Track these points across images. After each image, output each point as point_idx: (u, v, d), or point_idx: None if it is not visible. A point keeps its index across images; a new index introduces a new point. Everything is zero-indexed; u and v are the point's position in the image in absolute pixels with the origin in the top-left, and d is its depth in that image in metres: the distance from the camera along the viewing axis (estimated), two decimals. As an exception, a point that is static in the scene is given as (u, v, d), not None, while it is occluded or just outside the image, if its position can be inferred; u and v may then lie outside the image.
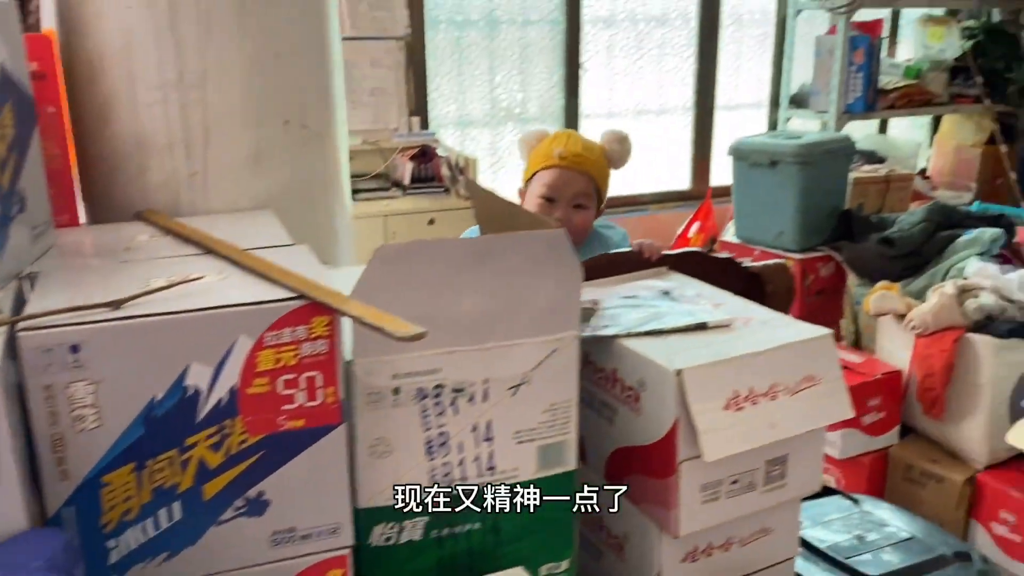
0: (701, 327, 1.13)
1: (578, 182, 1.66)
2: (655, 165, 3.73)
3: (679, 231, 3.47)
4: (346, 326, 0.80)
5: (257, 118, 1.09)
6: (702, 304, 1.21)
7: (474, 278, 0.89)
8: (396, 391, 0.89)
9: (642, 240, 1.55)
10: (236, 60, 1.06)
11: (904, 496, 2.18)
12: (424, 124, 3.13)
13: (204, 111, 1.07)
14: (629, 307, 1.21)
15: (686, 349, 1.06)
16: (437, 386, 0.90)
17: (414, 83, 3.08)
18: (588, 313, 1.22)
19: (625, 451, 1.08)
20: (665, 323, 1.12)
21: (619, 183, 3.65)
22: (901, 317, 2.24)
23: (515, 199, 1.84)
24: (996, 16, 3.78)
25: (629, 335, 1.10)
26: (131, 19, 1.02)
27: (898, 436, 2.28)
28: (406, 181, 2.95)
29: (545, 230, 0.94)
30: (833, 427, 2.14)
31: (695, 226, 3.43)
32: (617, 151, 1.72)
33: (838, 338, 2.68)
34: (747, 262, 1.66)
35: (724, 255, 1.59)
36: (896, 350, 2.29)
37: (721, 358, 1.03)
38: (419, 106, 3.12)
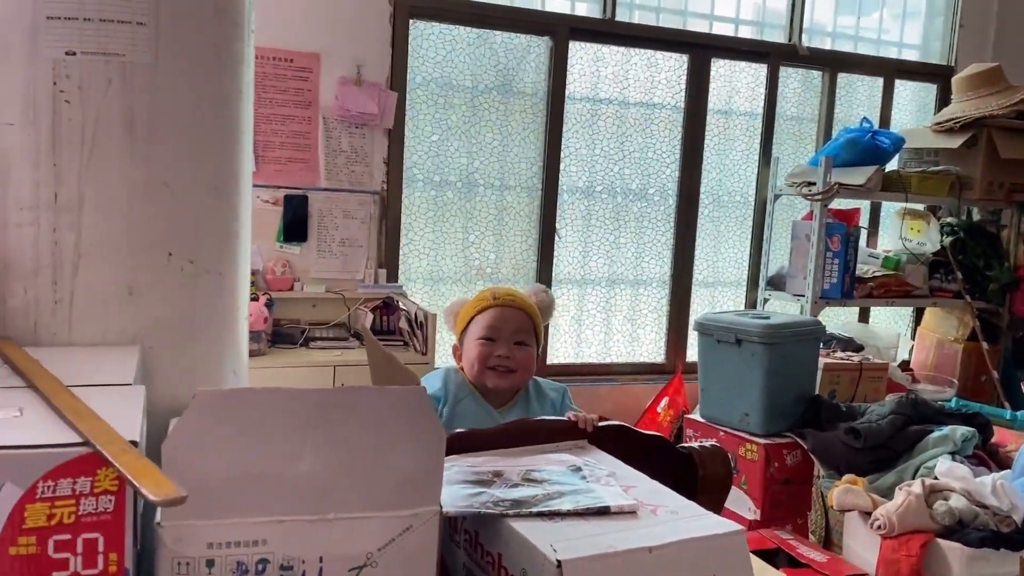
0: (603, 512, 1.01)
1: (517, 319, 1.66)
2: (629, 336, 3.67)
3: (648, 404, 3.36)
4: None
5: (134, 248, 1.02)
6: (612, 486, 1.09)
7: (316, 435, 0.79)
8: (210, 563, 0.76)
9: (580, 413, 1.44)
10: (118, 186, 1.01)
11: None
12: (393, 277, 3.10)
13: (77, 237, 1.00)
14: (530, 482, 1.09)
15: (577, 537, 0.93)
16: (261, 561, 0.78)
17: (386, 236, 3.07)
18: (485, 485, 1.09)
19: (512, 655, 0.93)
20: (563, 504, 1.00)
21: (591, 351, 3.60)
22: (867, 514, 2.09)
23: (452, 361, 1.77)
24: (976, 215, 3.82)
25: (519, 515, 0.98)
26: (10, 137, 0.98)
27: (865, 651, 2.06)
28: (365, 333, 2.89)
29: (406, 386, 0.84)
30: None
31: (664, 401, 3.32)
32: (544, 300, 1.75)
33: (806, 533, 2.51)
34: (691, 443, 1.55)
35: (654, 433, 1.47)
36: (862, 550, 2.11)
37: (611, 551, 0.90)
38: (389, 259, 3.10)
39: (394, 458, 0.82)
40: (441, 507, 0.86)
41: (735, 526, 1.02)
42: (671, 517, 1.01)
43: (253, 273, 2.92)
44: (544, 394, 1.71)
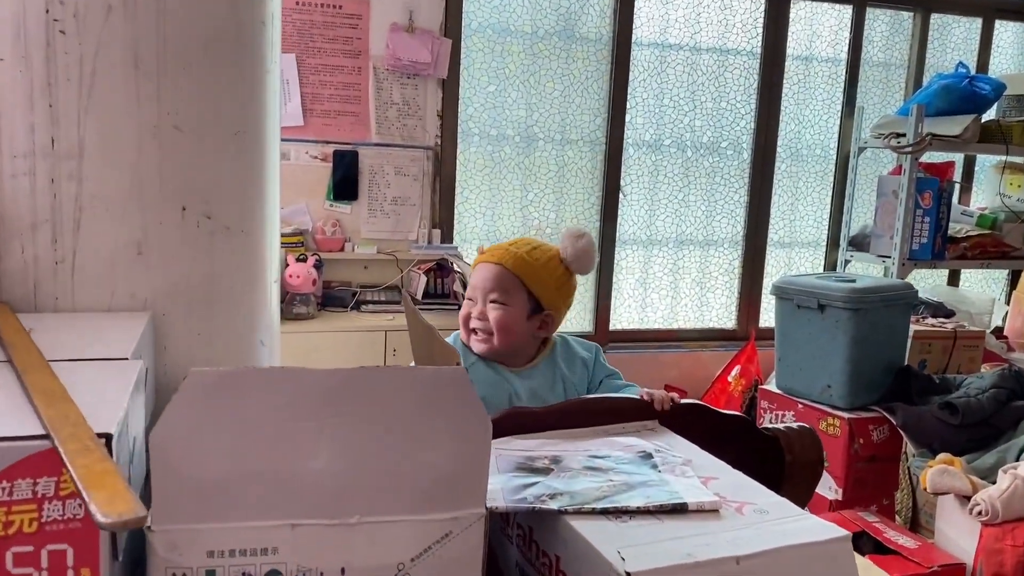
0: (679, 510, 0.86)
1: (497, 277, 1.48)
2: (697, 300, 3.50)
3: (718, 373, 3.19)
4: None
5: (143, 201, 0.90)
6: (688, 477, 0.94)
7: (335, 424, 0.65)
8: (210, 574, 0.64)
9: (654, 391, 1.28)
10: (123, 130, 0.88)
11: None
12: (448, 237, 2.97)
13: (79, 187, 0.88)
14: (593, 472, 0.94)
15: (649, 542, 0.78)
16: (271, 572, 0.66)
17: (440, 195, 2.94)
18: (540, 473, 0.96)
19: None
20: (632, 499, 0.86)
21: (657, 316, 3.43)
22: (965, 498, 1.90)
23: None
24: (1082, 168, 3.51)
25: (580, 512, 0.83)
26: (1, 76, 0.86)
27: (960, 645, 1.89)
28: (419, 295, 2.78)
29: (444, 367, 0.70)
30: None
31: (735, 369, 3.14)
32: (571, 248, 1.50)
33: (892, 515, 2.33)
34: (770, 423, 1.39)
35: (735, 413, 1.32)
36: (958, 537, 1.93)
37: (690, 560, 0.76)
38: (444, 218, 2.97)
39: (430, 452, 0.68)
40: (487, 509, 0.72)
41: (839, 531, 0.86)
42: (760, 518, 0.86)
43: (302, 233, 2.83)
44: (574, 354, 1.54)
